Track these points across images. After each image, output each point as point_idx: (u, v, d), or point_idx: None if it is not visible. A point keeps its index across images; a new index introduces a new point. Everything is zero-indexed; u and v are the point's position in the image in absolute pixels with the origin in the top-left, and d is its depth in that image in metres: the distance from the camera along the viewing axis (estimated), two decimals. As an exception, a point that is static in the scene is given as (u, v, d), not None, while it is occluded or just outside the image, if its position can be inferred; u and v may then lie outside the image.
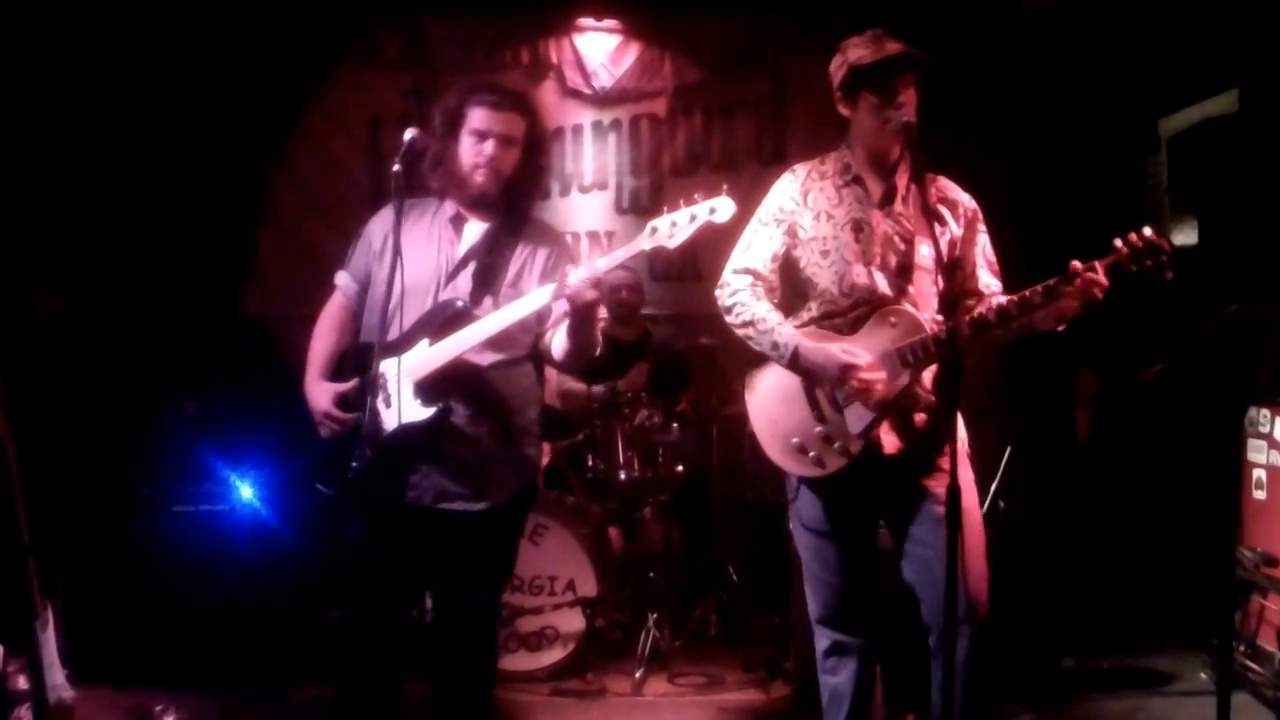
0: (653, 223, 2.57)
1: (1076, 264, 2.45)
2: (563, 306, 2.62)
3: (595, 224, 5.60)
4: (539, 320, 2.74)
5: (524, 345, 2.77)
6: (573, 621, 4.04)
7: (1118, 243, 2.44)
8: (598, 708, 3.88)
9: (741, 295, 2.69)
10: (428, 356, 2.65)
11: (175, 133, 5.10)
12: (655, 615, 4.17)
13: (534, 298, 2.63)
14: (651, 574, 4.36)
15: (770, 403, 2.74)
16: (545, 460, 4.85)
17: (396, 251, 2.58)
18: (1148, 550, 4.58)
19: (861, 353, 2.57)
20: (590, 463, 4.40)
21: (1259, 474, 3.91)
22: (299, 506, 4.00)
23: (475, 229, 2.80)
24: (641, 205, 5.55)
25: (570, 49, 5.56)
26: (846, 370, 2.54)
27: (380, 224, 2.85)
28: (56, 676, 3.14)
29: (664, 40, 5.56)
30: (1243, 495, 3.94)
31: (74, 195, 4.90)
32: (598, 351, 2.76)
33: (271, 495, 4.10)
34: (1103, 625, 4.41)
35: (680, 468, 4.45)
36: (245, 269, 5.38)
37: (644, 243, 2.57)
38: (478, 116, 2.72)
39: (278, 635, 3.97)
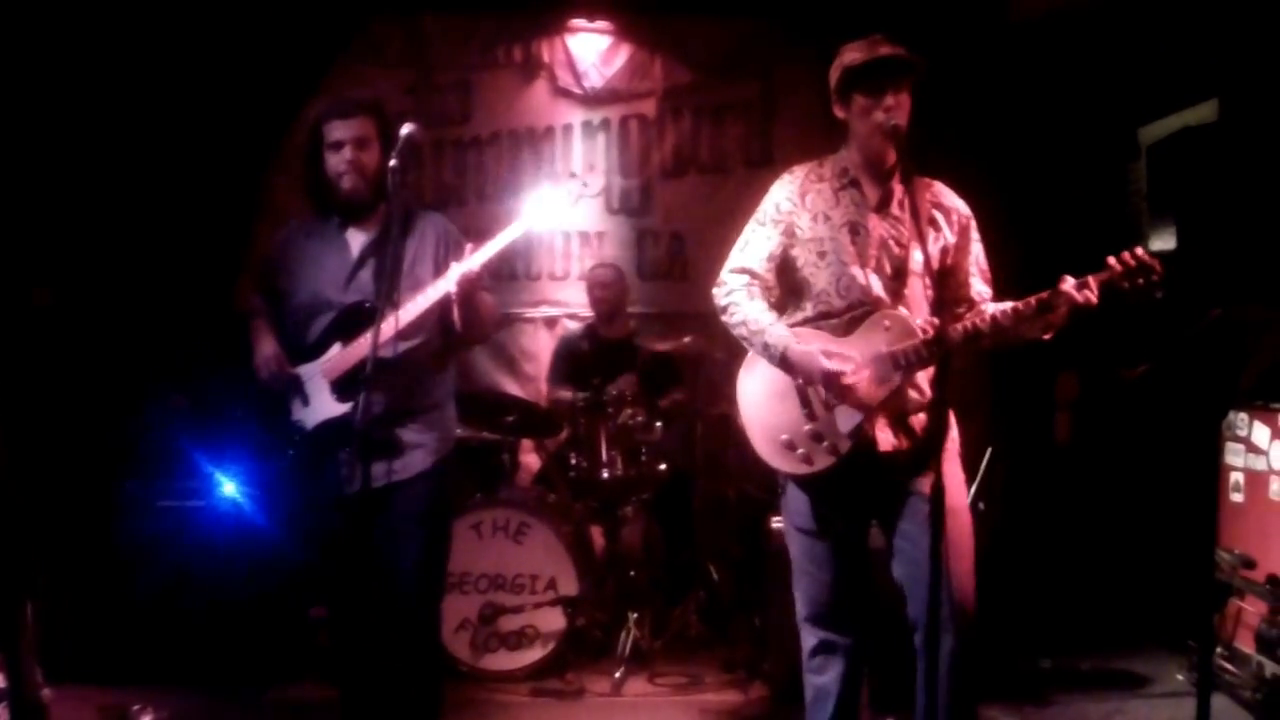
0: (526, 206, 2.87)
1: (1069, 279, 2.48)
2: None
3: (585, 224, 5.60)
4: (440, 308, 2.87)
5: (428, 327, 2.93)
6: (553, 621, 4.05)
7: (1111, 260, 2.48)
8: (577, 708, 3.88)
9: (737, 295, 2.72)
10: (341, 358, 2.86)
11: (174, 127, 5.09)
12: (636, 615, 4.18)
13: (430, 293, 2.82)
14: (632, 573, 4.36)
15: (761, 399, 2.76)
16: (538, 465, 4.91)
17: (395, 252, 2.70)
18: (1126, 552, 4.61)
19: (850, 355, 2.59)
20: (573, 461, 4.40)
21: (1237, 477, 3.95)
22: (283, 504, 3.99)
23: (362, 233, 2.97)
24: (631, 205, 5.58)
25: (562, 49, 5.57)
26: (829, 377, 2.57)
27: (279, 242, 3.07)
28: (32, 675, 3.13)
29: (654, 42, 5.57)
30: (1221, 498, 3.98)
31: (69, 188, 4.89)
32: (490, 327, 3.05)
33: (255, 492, 4.09)
34: (1081, 626, 4.44)
35: (663, 467, 4.46)
36: (241, 264, 5.37)
37: (517, 230, 2.84)
38: (329, 130, 2.91)
39: (258, 634, 3.96)
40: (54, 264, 4.81)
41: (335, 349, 2.89)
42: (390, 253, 2.73)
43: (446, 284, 2.79)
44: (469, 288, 2.78)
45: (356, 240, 2.96)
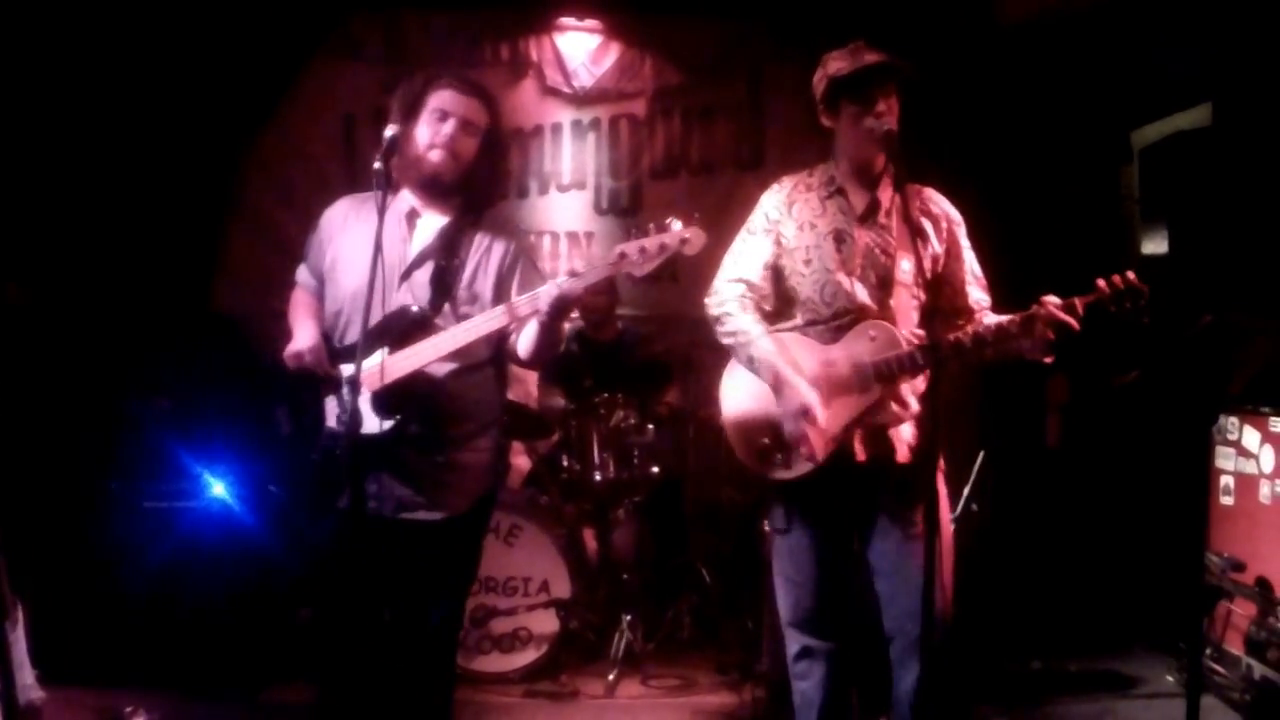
0: (621, 247, 2.52)
1: (1051, 300, 2.49)
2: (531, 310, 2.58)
3: (574, 224, 5.60)
4: (500, 331, 2.66)
5: (484, 351, 2.70)
6: (546, 623, 4.04)
7: (1100, 283, 2.48)
8: (571, 710, 3.88)
9: (730, 306, 2.72)
10: (386, 366, 2.55)
11: (149, 123, 5.06)
12: (629, 617, 4.17)
13: (501, 313, 2.58)
14: (625, 575, 4.35)
15: (743, 403, 2.76)
16: (528, 467, 4.89)
17: (378, 249, 2.45)
18: (1117, 555, 4.63)
19: (819, 424, 2.58)
20: (565, 463, 4.38)
21: (1227, 480, 3.97)
22: (271, 505, 3.98)
23: (428, 226, 2.72)
24: (620, 206, 5.57)
25: (550, 48, 5.56)
26: (804, 413, 2.56)
27: (330, 217, 2.81)
28: (26, 677, 3.11)
29: (644, 42, 5.57)
30: (1211, 501, 4.00)
31: (46, 185, 4.85)
32: (552, 355, 2.76)
33: (243, 492, 4.07)
34: (1071, 628, 4.46)
35: (655, 469, 4.44)
36: (216, 262, 5.35)
37: (610, 268, 2.53)
38: (441, 97, 2.66)
39: (250, 635, 3.94)
40: (28, 261, 4.77)
41: (380, 354, 2.58)
42: (382, 249, 2.45)
43: (536, 303, 2.52)
44: (563, 309, 2.52)
45: (422, 231, 2.70)
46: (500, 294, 2.68)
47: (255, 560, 3.96)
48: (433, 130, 2.65)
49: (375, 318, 2.56)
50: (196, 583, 3.94)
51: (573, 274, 2.53)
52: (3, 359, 4.24)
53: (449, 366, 2.63)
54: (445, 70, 2.74)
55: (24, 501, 3.59)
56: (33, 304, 4.71)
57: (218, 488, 4.06)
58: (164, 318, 4.99)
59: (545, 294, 2.52)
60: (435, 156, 2.65)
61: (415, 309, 2.62)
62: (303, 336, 2.70)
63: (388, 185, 2.54)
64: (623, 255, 2.51)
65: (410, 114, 2.68)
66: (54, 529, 3.99)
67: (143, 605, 3.91)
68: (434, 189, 2.69)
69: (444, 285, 2.66)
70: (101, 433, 4.43)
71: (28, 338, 4.55)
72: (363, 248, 2.63)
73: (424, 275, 2.67)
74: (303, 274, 2.88)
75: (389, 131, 2.57)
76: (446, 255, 2.67)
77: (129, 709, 3.56)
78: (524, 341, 2.68)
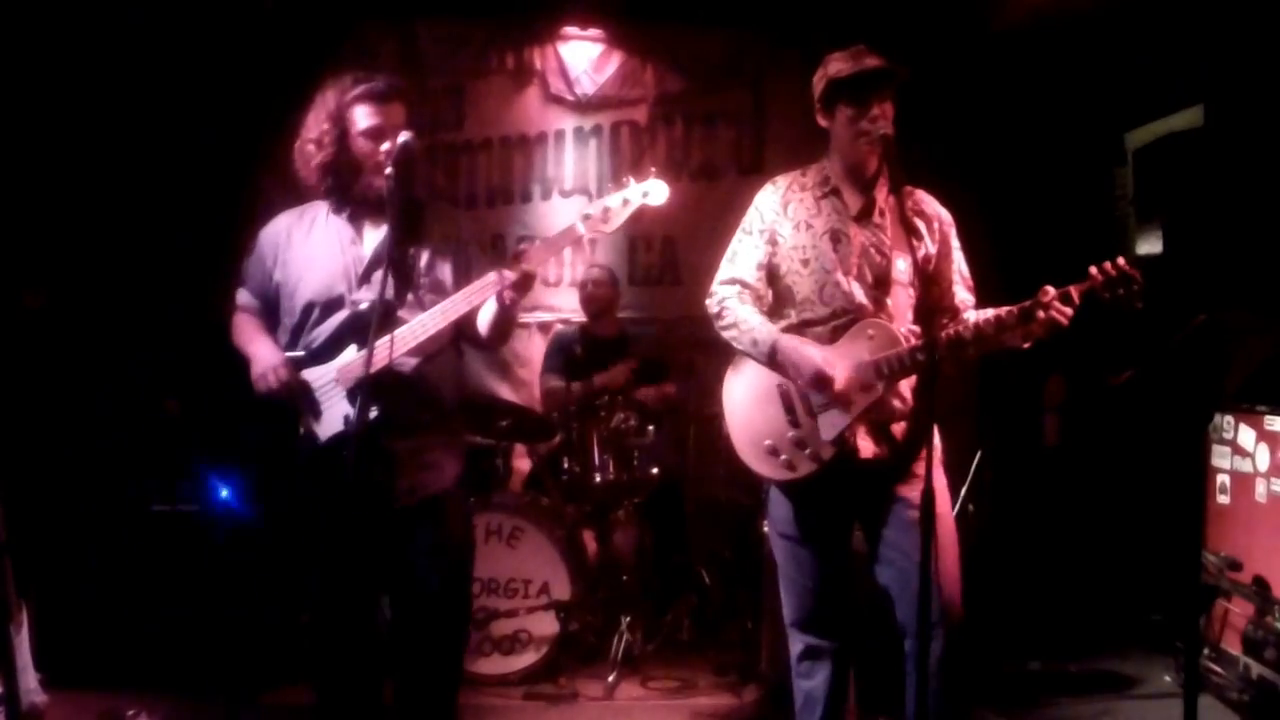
0: (584, 210, 2.64)
1: (1050, 289, 2.52)
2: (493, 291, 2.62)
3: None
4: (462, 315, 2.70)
5: (446, 335, 2.73)
6: (546, 625, 4.07)
7: (1093, 270, 2.51)
8: (570, 712, 3.89)
9: (729, 302, 2.76)
10: (357, 362, 2.58)
11: (165, 130, 5.10)
12: (628, 619, 4.19)
13: (468, 296, 2.61)
14: (625, 577, 4.38)
15: (745, 404, 2.79)
16: (529, 466, 4.92)
17: (389, 256, 2.52)
18: (1114, 554, 4.64)
19: (840, 364, 2.61)
20: (566, 465, 4.41)
21: (1223, 479, 3.98)
22: (276, 508, 4.00)
23: (376, 226, 2.72)
24: (622, 211, 5.60)
25: (554, 56, 5.61)
26: (820, 379, 2.59)
27: (269, 236, 2.83)
28: (29, 680, 3.13)
29: (646, 50, 5.61)
30: (1207, 500, 4.01)
31: (61, 190, 4.90)
32: (511, 335, 2.83)
33: (249, 497, 4.09)
34: (1069, 629, 4.47)
35: (655, 470, 4.47)
36: (232, 267, 5.37)
37: (579, 230, 2.63)
38: (367, 114, 2.66)
39: (252, 638, 3.96)
40: (46, 267, 4.81)
41: (350, 352, 2.64)
42: (394, 254, 2.54)
43: (496, 285, 2.56)
44: (529, 278, 2.57)
45: (371, 233, 2.72)
46: (462, 276, 2.71)
47: (259, 564, 3.98)
48: (370, 150, 2.65)
49: (331, 322, 2.67)
50: (200, 586, 3.97)
51: (540, 241, 2.64)
52: (14, 362, 4.27)
53: (415, 356, 2.66)
54: (356, 82, 2.72)
55: (30, 503, 3.61)
56: (46, 308, 4.75)
57: (224, 492, 4.08)
58: (178, 321, 5.02)
59: (524, 260, 2.58)
60: (382, 182, 2.60)
61: (375, 302, 2.58)
62: (266, 355, 2.71)
63: (400, 191, 2.57)
64: (586, 217, 2.64)
65: (337, 133, 2.68)
66: (59, 531, 4.02)
67: (147, 608, 3.95)
68: (376, 200, 2.67)
69: (404, 279, 2.69)
70: (111, 435, 4.46)
71: (40, 341, 4.59)
72: (315, 256, 2.72)
73: (382, 273, 2.66)
74: (244, 297, 2.88)
75: (401, 139, 2.59)
76: (400, 250, 2.67)
77: (131, 712, 3.58)
78: (483, 320, 2.71)
